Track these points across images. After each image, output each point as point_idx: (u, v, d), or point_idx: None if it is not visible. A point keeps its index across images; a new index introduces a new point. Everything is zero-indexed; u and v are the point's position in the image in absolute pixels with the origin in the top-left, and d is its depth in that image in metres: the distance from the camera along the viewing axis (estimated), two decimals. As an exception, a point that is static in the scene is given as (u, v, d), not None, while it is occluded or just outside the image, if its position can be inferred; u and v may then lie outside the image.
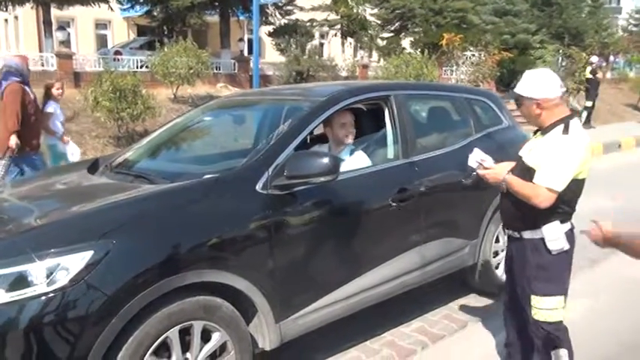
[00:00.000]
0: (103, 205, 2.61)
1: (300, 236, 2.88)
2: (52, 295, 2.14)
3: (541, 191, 2.52)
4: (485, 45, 16.55)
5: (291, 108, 3.49)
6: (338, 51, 22.83)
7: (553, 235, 2.62)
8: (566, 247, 2.64)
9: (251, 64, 18.89)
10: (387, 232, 3.37)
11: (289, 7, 19.00)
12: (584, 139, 2.57)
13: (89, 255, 2.20)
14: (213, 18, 18.64)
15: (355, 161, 3.45)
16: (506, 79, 18.54)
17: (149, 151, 3.76)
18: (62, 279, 2.15)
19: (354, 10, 20.12)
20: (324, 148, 3.65)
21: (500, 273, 4.29)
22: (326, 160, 2.82)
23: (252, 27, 23.49)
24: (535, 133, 2.77)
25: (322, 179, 2.81)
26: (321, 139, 3.85)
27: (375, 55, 22.21)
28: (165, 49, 12.21)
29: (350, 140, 3.52)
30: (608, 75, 23.74)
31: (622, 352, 3.41)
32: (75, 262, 2.18)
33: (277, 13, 18.69)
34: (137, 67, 14.79)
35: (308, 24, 19.69)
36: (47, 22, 16.01)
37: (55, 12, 20.66)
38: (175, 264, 2.41)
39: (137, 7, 19.38)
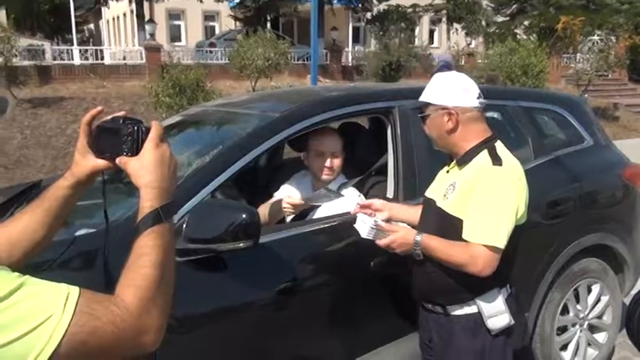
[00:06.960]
0: None
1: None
2: None
3: (479, 252, 1.71)
4: (613, 28, 14.11)
5: (235, 129, 2.48)
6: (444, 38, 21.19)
7: (494, 307, 1.83)
8: (512, 321, 1.85)
9: (343, 55, 18.01)
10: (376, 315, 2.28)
11: (387, -8, 17.74)
12: (519, 169, 1.86)
13: None
14: (307, 6, 17.93)
15: (343, 203, 2.37)
16: (642, 68, 15.96)
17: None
18: None
19: (462, -7, 18.37)
20: (307, 181, 2.59)
21: (569, 357, 3.02)
22: (242, 215, 1.83)
23: (351, 15, 22.65)
24: (447, 162, 1.98)
25: (231, 246, 1.83)
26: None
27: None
28: (242, 41, 11.61)
29: (329, 176, 2.44)
30: None
31: None
32: None
33: (375, -1, 17.56)
34: (226, 59, 14.48)
35: (410, 10, 18.29)
36: (140, 16, 16.19)
37: (166, 4, 21.22)
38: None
39: (231, -2, 19.19)
